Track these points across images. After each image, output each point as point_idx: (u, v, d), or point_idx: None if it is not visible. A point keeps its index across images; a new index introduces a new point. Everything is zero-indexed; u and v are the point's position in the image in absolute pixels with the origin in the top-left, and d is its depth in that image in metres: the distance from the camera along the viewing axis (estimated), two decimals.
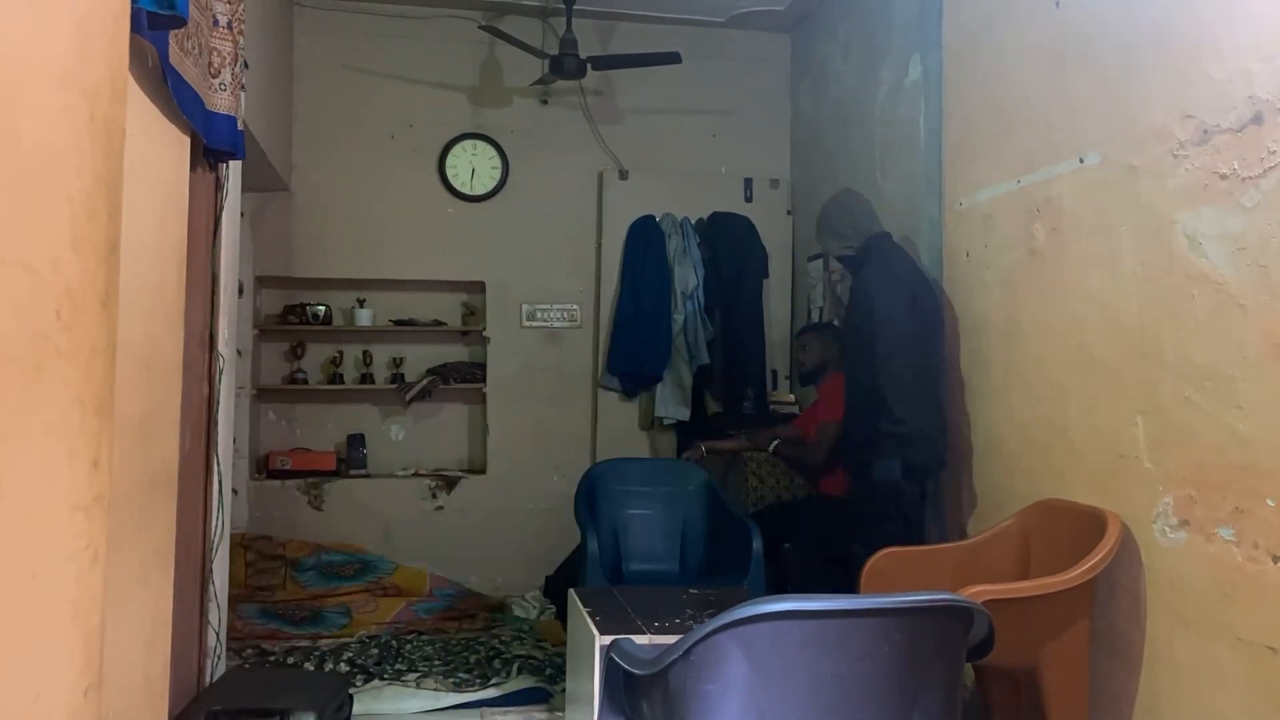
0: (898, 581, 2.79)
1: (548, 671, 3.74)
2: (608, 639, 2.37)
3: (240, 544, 4.53)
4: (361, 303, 5.18)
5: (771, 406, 5.02)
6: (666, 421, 5.15)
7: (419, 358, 5.29)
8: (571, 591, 2.99)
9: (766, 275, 5.24)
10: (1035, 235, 3.01)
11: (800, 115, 5.43)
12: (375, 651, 4.01)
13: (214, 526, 2.90)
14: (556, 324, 5.32)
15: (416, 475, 5.14)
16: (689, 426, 5.08)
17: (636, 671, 2.02)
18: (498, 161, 5.25)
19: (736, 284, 5.12)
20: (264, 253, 4.98)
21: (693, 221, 5.23)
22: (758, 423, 4.66)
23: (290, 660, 3.92)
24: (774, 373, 5.30)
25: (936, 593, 1.85)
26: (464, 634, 4.34)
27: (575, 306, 5.33)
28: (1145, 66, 2.53)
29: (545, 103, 5.31)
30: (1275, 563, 2.08)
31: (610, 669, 2.20)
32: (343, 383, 5.17)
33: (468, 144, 5.22)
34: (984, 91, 3.35)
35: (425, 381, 5.16)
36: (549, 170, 5.29)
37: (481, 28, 4.78)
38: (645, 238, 5.15)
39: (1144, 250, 2.52)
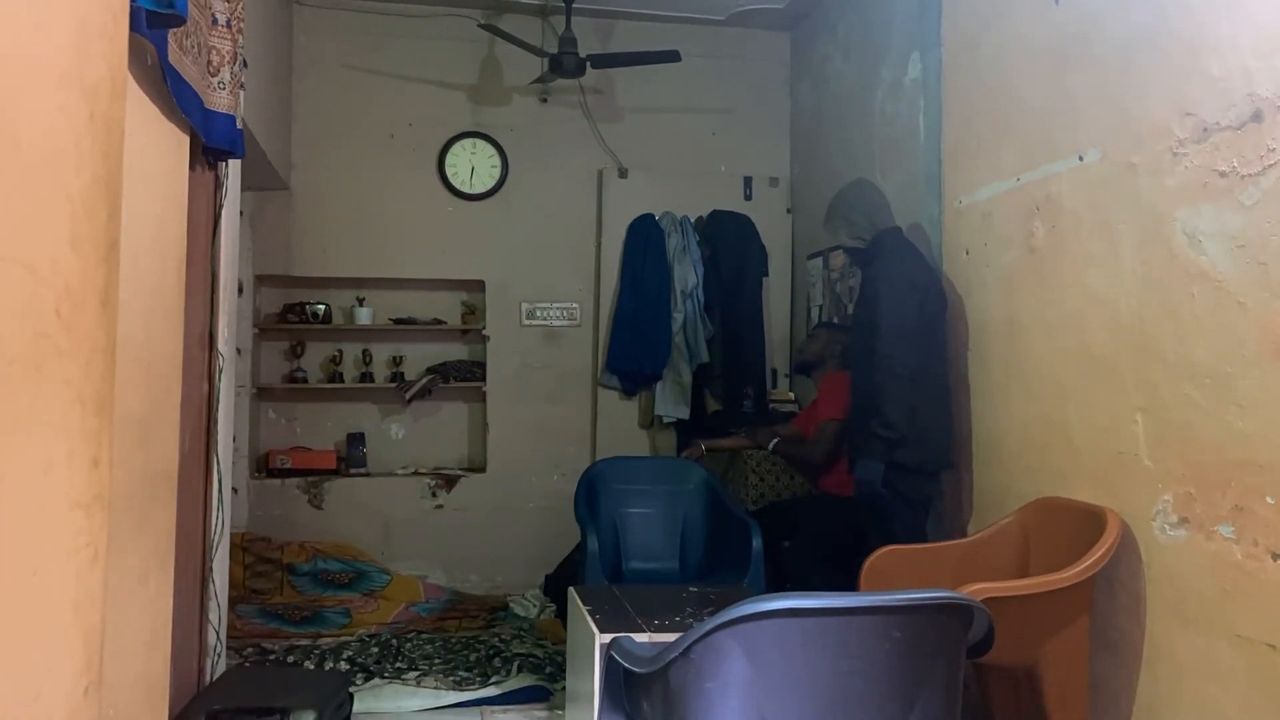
0: (898, 579, 2.79)
1: (548, 670, 3.74)
2: (608, 637, 2.37)
3: (239, 545, 4.53)
4: (361, 301, 5.18)
5: (771, 405, 5.02)
6: (666, 420, 5.16)
7: (419, 356, 5.30)
8: (571, 590, 2.99)
9: (766, 274, 5.24)
10: (1035, 233, 3.01)
11: (800, 113, 5.43)
12: (375, 650, 4.01)
13: (214, 525, 2.90)
14: (556, 322, 5.32)
15: (416, 474, 5.15)
16: (689, 425, 5.08)
17: (636, 669, 2.02)
18: (497, 160, 5.25)
19: (736, 282, 5.12)
20: (263, 251, 4.98)
21: (692, 220, 5.24)
22: (757, 421, 4.66)
23: (290, 659, 3.92)
24: (774, 371, 5.30)
25: (936, 591, 1.85)
26: (464, 632, 4.35)
27: (575, 305, 5.33)
28: (1144, 64, 2.53)
29: (545, 101, 5.31)
30: (1275, 560, 2.09)
31: (610, 667, 2.20)
32: (342, 381, 5.18)
33: (467, 142, 5.22)
34: (983, 89, 3.35)
35: (425, 380, 5.16)
36: (548, 169, 5.29)
37: (481, 26, 4.77)
38: (645, 236, 5.15)
39: (1143, 248, 2.53)
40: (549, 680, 3.62)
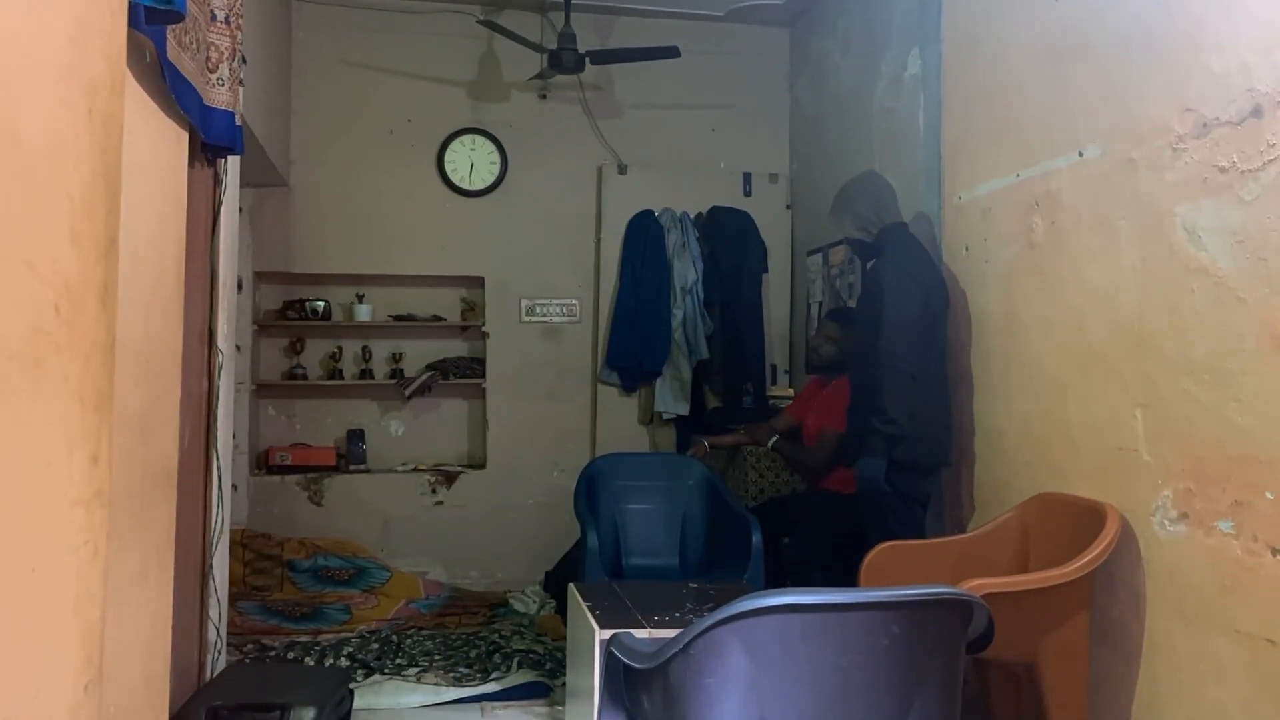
0: (897, 575, 2.79)
1: (548, 666, 3.74)
2: (608, 633, 2.37)
3: (239, 542, 4.54)
4: (360, 298, 5.18)
5: (771, 401, 5.02)
6: (666, 416, 5.16)
7: (418, 353, 5.30)
8: (571, 586, 2.99)
9: (766, 270, 5.24)
10: (1034, 229, 3.01)
11: (799, 110, 5.43)
12: (375, 646, 4.01)
13: (214, 522, 2.90)
14: (556, 319, 5.32)
15: (416, 470, 5.15)
16: (689, 421, 5.08)
17: (637, 665, 2.03)
18: (496, 156, 5.24)
19: (736, 279, 5.12)
20: (263, 248, 4.98)
21: (692, 216, 5.23)
22: (757, 417, 4.66)
23: (290, 655, 3.92)
24: (773, 367, 5.30)
25: (936, 586, 1.86)
26: (464, 629, 4.35)
27: (574, 301, 5.33)
28: (1144, 60, 2.53)
29: (544, 97, 5.30)
30: (1274, 555, 2.09)
31: (610, 663, 2.21)
32: (342, 378, 5.18)
33: (466, 139, 5.22)
34: (983, 85, 3.35)
35: (425, 377, 5.16)
36: (548, 165, 5.28)
37: (480, 22, 4.77)
38: (644, 232, 5.15)
39: (1143, 244, 2.52)
40: (549, 676, 3.62)
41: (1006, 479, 3.14)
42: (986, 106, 3.32)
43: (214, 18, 2.62)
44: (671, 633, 1.99)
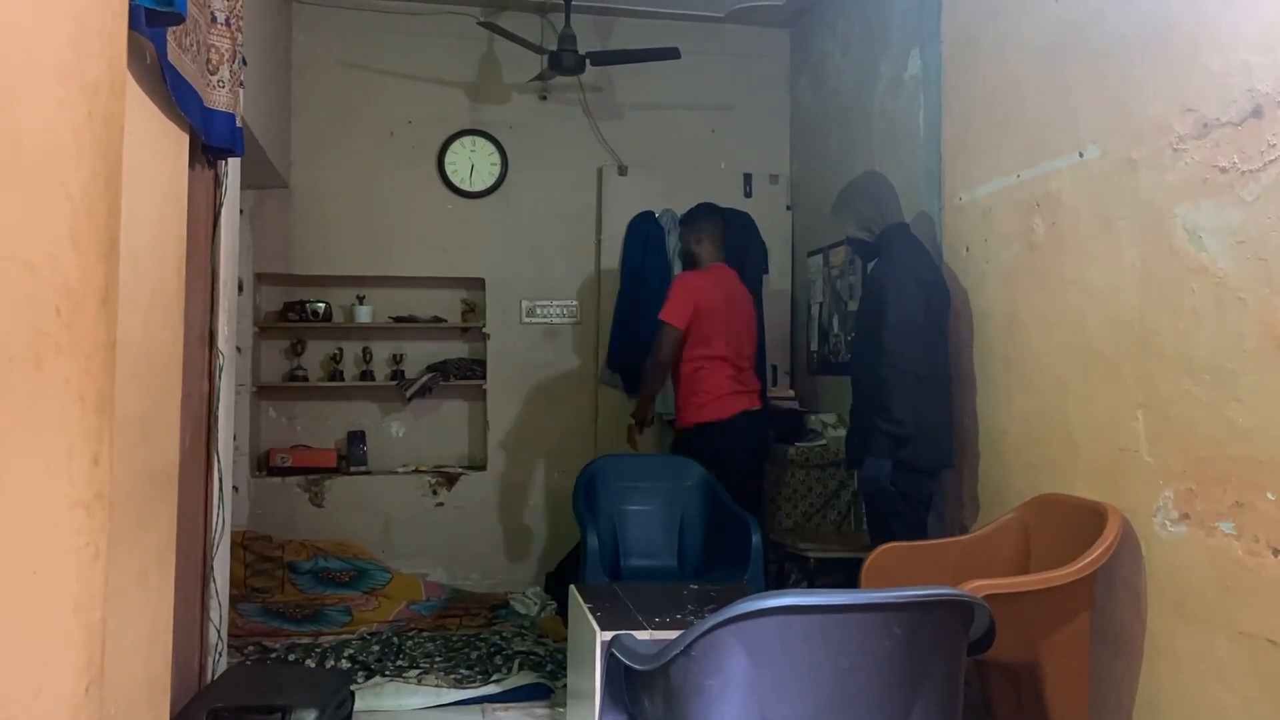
0: (898, 576, 2.79)
1: (549, 667, 3.74)
2: (609, 635, 2.37)
3: (240, 544, 4.54)
4: (361, 299, 5.18)
5: (771, 401, 5.01)
6: (666, 417, 5.14)
7: (419, 354, 5.30)
8: (572, 587, 2.99)
9: (766, 270, 5.23)
10: (1035, 229, 3.01)
11: (799, 110, 5.43)
12: (376, 648, 4.01)
13: (215, 523, 2.90)
14: (556, 320, 5.32)
15: (417, 472, 5.14)
16: None
17: (637, 667, 2.02)
18: (497, 158, 5.24)
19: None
20: (263, 250, 4.98)
21: None
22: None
23: (291, 657, 3.92)
24: (773, 368, 5.29)
25: (937, 587, 1.86)
26: (465, 631, 4.35)
27: (575, 303, 5.33)
28: (1144, 60, 2.53)
29: (544, 99, 5.30)
30: (1275, 556, 2.09)
31: (611, 664, 2.21)
32: (343, 380, 5.18)
33: (467, 140, 5.22)
34: (983, 86, 3.35)
35: (425, 378, 5.16)
36: (548, 166, 5.28)
37: (480, 23, 4.77)
38: (645, 233, 5.15)
39: (1144, 244, 2.52)
40: (550, 678, 3.62)
41: (1007, 479, 3.14)
42: (987, 107, 3.32)
43: (214, 19, 2.62)
44: (672, 634, 1.99)
